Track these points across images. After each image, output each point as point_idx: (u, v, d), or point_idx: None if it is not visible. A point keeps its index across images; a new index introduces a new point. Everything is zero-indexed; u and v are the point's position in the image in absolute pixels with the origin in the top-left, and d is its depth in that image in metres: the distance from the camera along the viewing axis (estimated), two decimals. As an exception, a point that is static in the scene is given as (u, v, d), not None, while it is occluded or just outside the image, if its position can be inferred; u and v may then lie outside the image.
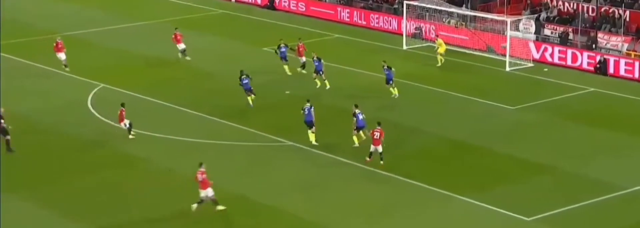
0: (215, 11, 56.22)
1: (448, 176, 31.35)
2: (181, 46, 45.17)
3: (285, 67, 42.53)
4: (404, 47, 47.60)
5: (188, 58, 45.17)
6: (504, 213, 28.46)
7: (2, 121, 33.62)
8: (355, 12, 52.77)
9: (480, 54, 45.99)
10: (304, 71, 41.94)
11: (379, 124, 32.12)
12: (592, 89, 40.93)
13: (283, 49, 42.56)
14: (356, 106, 33.94)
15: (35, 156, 33.18)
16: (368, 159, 32.03)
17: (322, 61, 40.52)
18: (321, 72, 40.36)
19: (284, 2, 56.10)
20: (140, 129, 35.39)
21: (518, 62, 44.28)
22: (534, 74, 43.09)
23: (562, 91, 40.70)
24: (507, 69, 43.98)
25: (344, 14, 53.17)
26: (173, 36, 45.33)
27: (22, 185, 30.59)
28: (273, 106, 38.54)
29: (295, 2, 55.62)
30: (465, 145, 34.09)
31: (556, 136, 35.16)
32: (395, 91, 39.07)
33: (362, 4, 53.73)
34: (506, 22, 44.63)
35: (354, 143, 33.71)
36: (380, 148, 31.76)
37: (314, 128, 33.87)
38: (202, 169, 28.44)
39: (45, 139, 34.91)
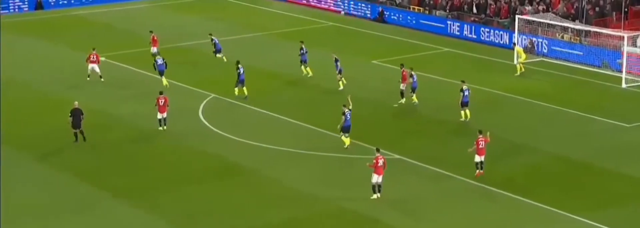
0: (326, 24, 56.40)
1: (560, 194, 30.43)
2: (154, 49, 46.61)
3: (303, 68, 43.51)
4: (515, 61, 46.79)
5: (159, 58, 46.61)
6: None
7: (82, 116, 35.11)
8: (465, 26, 52.23)
9: (595, 69, 44.87)
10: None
11: (480, 132, 31.17)
12: None
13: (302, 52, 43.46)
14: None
15: (147, 164, 33.56)
16: (477, 172, 31.42)
17: (339, 61, 41.14)
18: (340, 74, 41.19)
19: (394, 15, 55.91)
20: (248, 139, 35.56)
21: (635, 78, 43.02)
22: (653, 91, 41.88)
23: (681, 109, 39.41)
24: (623, 85, 42.78)
25: (454, 27, 52.68)
26: (150, 39, 47.03)
27: (132, 191, 30.98)
28: (381, 119, 38.32)
29: (404, 15, 55.37)
30: (579, 162, 33.16)
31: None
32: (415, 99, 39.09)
33: (473, 18, 53.15)
34: (623, 37, 43.47)
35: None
36: (482, 158, 30.96)
37: (349, 133, 34.22)
38: (379, 155, 29.44)
39: (157, 148, 35.35)
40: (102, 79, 43.53)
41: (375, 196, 29.63)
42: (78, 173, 32.48)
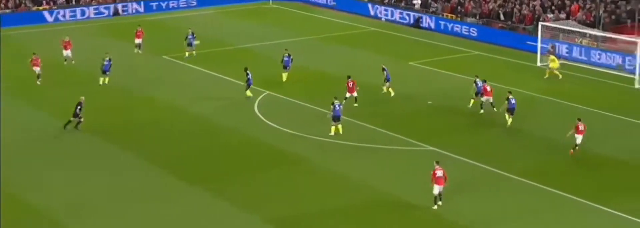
0: (368, 29, 55.98)
1: (584, 185, 29.90)
2: (137, 40, 47.38)
3: (283, 74, 42.18)
4: (538, 64, 46.05)
5: (140, 51, 47.59)
6: (634, 221, 27.05)
7: (80, 107, 35.10)
8: (493, 31, 51.50)
9: (610, 71, 43.99)
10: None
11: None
12: None
13: (286, 58, 42.23)
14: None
15: (213, 154, 33.43)
16: (572, 151, 31.56)
17: (387, 70, 40.06)
18: (389, 82, 39.78)
19: (429, 21, 55.33)
20: (299, 131, 35.38)
21: (647, 80, 42.19)
22: (662, 92, 41.01)
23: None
24: (636, 86, 41.91)
25: (483, 32, 51.97)
26: (134, 32, 47.57)
27: (203, 179, 30.84)
28: (415, 114, 37.92)
29: (439, 21, 54.77)
30: (602, 157, 32.56)
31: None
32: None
33: (500, 24, 52.41)
34: (637, 42, 42.56)
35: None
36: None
37: (340, 122, 33.96)
38: (438, 166, 27.79)
39: (221, 139, 35.22)
40: (39, 81, 42.11)
41: (435, 206, 27.86)
42: (154, 162, 32.39)
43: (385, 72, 40.37)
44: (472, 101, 37.66)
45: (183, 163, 32.41)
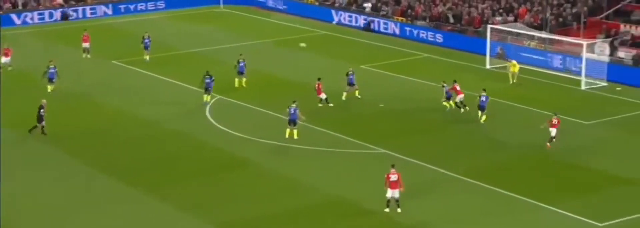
0: (319, 32, 56.40)
1: (531, 185, 30.52)
2: (85, 45, 48.34)
3: (236, 80, 42.25)
4: (487, 66, 46.89)
5: (88, 56, 48.13)
6: (578, 219, 27.73)
7: (43, 110, 35.34)
8: (442, 35, 52.29)
9: (558, 73, 44.98)
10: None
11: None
12: (662, 107, 39.74)
13: (241, 63, 42.31)
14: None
15: (162, 159, 33.53)
16: (549, 144, 33.08)
17: (354, 74, 40.21)
18: (354, 85, 40.07)
19: (381, 24, 55.94)
20: (251, 135, 35.60)
21: (593, 81, 43.15)
22: (607, 93, 41.92)
23: (635, 108, 39.48)
24: (583, 87, 42.91)
25: (434, 35, 52.73)
26: (82, 36, 48.00)
27: (152, 184, 30.91)
28: (366, 117, 38.39)
29: (389, 25, 55.40)
30: (548, 157, 33.28)
31: (630, 149, 34.12)
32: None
33: (449, 27, 53.21)
34: (583, 45, 43.59)
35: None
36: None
37: (296, 126, 34.40)
38: (393, 170, 27.82)
39: (171, 144, 35.31)
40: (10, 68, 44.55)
41: (387, 209, 27.86)
42: (103, 168, 32.39)
43: (350, 76, 40.23)
44: (447, 105, 38.19)
45: (132, 168, 32.43)
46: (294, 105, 34.94)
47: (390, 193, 27.86)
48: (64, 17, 59.88)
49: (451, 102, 38.59)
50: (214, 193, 30.11)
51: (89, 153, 34.06)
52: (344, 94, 40.28)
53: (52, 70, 41.63)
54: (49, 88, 41.32)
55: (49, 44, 53.27)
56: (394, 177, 27.77)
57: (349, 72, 40.56)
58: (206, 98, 39.92)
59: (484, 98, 36.90)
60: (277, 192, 30.14)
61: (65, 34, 55.87)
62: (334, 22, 58.64)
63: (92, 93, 42.39)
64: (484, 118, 37.12)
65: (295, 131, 34.87)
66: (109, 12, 61.17)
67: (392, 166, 28.26)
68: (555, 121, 33.89)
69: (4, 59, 45.83)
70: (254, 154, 33.81)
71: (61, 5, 60.64)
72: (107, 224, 27.81)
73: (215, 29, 57.22)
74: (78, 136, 36.08)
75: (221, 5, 63.84)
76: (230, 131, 36.43)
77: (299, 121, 35.00)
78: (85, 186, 30.74)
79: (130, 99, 41.40)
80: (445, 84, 38.87)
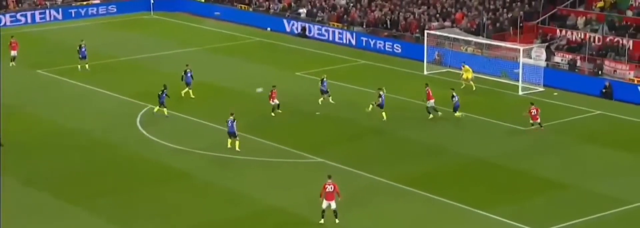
0: (253, 39, 55.94)
1: (468, 192, 30.55)
2: (13, 53, 47.66)
3: (184, 91, 41.35)
4: (425, 72, 46.97)
5: (14, 64, 47.60)
6: (515, 225, 27.75)
7: None
8: (379, 41, 52.29)
9: (495, 79, 45.27)
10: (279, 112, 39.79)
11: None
12: (598, 112, 40.16)
13: (188, 74, 41.57)
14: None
15: (91, 171, 32.77)
16: (542, 128, 35.23)
17: (326, 83, 40.27)
18: (327, 93, 40.15)
19: (315, 30, 55.72)
20: (183, 146, 35.01)
21: (530, 86, 43.50)
22: (544, 98, 42.29)
23: (572, 113, 39.89)
24: (520, 93, 43.23)
25: (370, 41, 52.70)
26: (9, 44, 47.70)
27: (81, 197, 30.21)
28: (304, 126, 38.04)
29: (324, 30, 55.23)
30: (485, 162, 33.37)
31: (566, 154, 34.39)
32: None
33: (386, 33, 53.23)
34: (519, 50, 43.93)
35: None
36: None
37: (236, 138, 34.16)
38: (330, 181, 27.40)
39: (99, 155, 34.53)
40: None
41: (322, 220, 27.45)
42: (30, 181, 31.55)
43: (323, 83, 40.14)
44: (384, 113, 37.93)
45: (60, 181, 31.63)
46: (231, 117, 34.35)
47: (326, 204, 27.51)
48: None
49: (371, 107, 38.52)
50: (146, 205, 29.48)
51: (15, 165, 33.02)
52: (320, 100, 40.02)
53: None
54: None
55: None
56: (330, 188, 27.41)
57: (323, 79, 40.45)
58: (165, 111, 38.62)
59: (456, 98, 38.17)
60: (210, 203, 29.65)
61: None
62: (268, 29, 58.23)
63: (18, 103, 41.21)
64: (458, 114, 38.16)
65: (237, 143, 34.27)
66: (30, 20, 59.76)
67: (329, 177, 27.91)
68: (534, 111, 36.73)
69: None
70: (187, 165, 33.19)
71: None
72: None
73: (147, 36, 56.35)
74: (9, 147, 34.97)
75: (151, 12, 62.94)
76: (162, 141, 35.70)
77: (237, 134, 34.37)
78: (13, 200, 29.70)
79: (59, 110, 40.37)
80: (381, 92, 38.62)
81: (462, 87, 43.48)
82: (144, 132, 37.18)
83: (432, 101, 38.58)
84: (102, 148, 35.24)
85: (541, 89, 43.54)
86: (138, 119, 38.92)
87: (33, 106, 40.88)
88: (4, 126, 37.51)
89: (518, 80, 43.62)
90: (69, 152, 34.79)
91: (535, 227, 27.61)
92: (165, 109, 38.75)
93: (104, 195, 30.31)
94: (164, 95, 38.70)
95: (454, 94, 38.35)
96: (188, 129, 37.68)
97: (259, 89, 36.31)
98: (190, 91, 41.94)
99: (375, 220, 28.37)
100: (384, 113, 37.97)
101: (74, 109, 40.74)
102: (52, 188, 30.83)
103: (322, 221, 27.82)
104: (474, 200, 29.62)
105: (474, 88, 43.55)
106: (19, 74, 46.80)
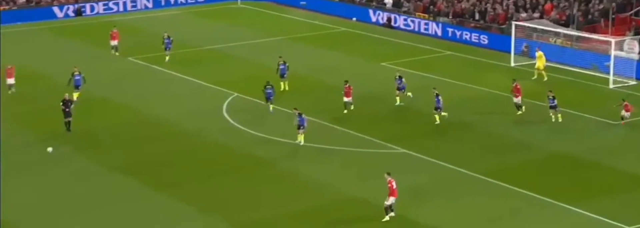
0: (338, 29, 56.26)
1: (555, 186, 30.29)
2: (114, 42, 48.06)
3: (281, 83, 41.30)
4: (512, 64, 46.57)
5: (117, 53, 47.93)
6: (606, 222, 27.47)
7: (72, 106, 35.77)
8: (465, 31, 52.01)
9: (585, 71, 44.60)
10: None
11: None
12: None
13: (282, 66, 41.56)
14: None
15: (179, 158, 33.48)
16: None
17: (403, 79, 39.33)
18: (403, 91, 39.17)
19: (401, 21, 55.74)
20: (270, 134, 35.53)
21: (621, 80, 42.74)
22: (636, 92, 41.47)
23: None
24: (611, 86, 42.51)
25: (457, 32, 52.45)
26: (110, 33, 48.16)
27: (166, 184, 30.92)
28: (387, 116, 38.23)
29: (410, 21, 55.19)
30: (573, 158, 33.00)
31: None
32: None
33: (473, 24, 52.89)
34: (611, 42, 43.18)
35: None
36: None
37: (304, 130, 33.95)
38: (390, 178, 27.51)
39: (185, 142, 35.29)
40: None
41: (387, 217, 27.47)
42: (117, 168, 32.37)
43: (400, 80, 39.33)
44: (437, 116, 36.86)
45: (147, 168, 32.42)
46: (296, 111, 34.42)
47: (392, 200, 27.46)
48: (78, 13, 60.10)
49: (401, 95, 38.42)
50: (229, 193, 30.06)
51: (102, 152, 34.08)
52: (397, 99, 39.35)
53: (77, 77, 40.69)
54: (75, 95, 40.61)
55: (62, 41, 53.46)
56: (394, 184, 27.47)
57: (397, 76, 39.61)
58: (271, 106, 38.68)
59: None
60: (292, 192, 30.09)
61: (80, 30, 56.12)
62: (354, 19, 58.46)
63: (107, 91, 42.40)
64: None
65: (302, 137, 34.30)
66: (121, 8, 61.31)
67: (388, 174, 27.77)
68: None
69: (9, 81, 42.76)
70: (270, 153, 33.69)
71: (75, 1, 60.85)
72: (123, 224, 27.86)
73: (233, 26, 57.16)
74: (90, 135, 36.11)
75: (238, 2, 63.85)
76: (246, 129, 36.33)
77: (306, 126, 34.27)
78: (100, 187, 30.76)
79: (146, 99, 41.40)
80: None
81: (533, 78, 42.98)
82: (230, 119, 37.90)
83: (519, 98, 37.85)
84: (187, 136, 35.97)
85: (633, 82, 42.74)
86: (224, 107, 39.67)
87: (123, 95, 41.85)
88: (99, 114, 38.73)
89: (609, 73, 42.90)
90: (156, 139, 35.57)
91: (624, 224, 27.30)
92: (271, 106, 38.53)
93: (187, 183, 30.98)
94: (270, 91, 38.42)
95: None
96: (273, 118, 38.23)
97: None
98: (285, 82, 41.60)
99: (458, 212, 28.39)
100: (437, 116, 36.58)
101: (160, 97, 41.62)
102: (137, 175, 31.59)
103: (386, 218, 27.63)
104: (564, 195, 29.34)
105: (546, 78, 42.94)
106: (118, 62, 47.97)
